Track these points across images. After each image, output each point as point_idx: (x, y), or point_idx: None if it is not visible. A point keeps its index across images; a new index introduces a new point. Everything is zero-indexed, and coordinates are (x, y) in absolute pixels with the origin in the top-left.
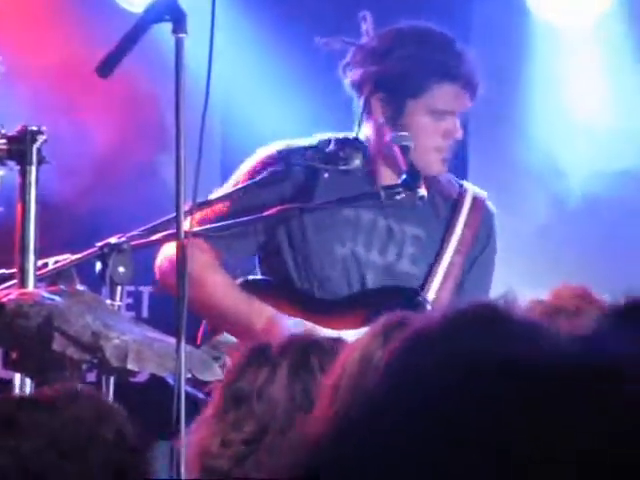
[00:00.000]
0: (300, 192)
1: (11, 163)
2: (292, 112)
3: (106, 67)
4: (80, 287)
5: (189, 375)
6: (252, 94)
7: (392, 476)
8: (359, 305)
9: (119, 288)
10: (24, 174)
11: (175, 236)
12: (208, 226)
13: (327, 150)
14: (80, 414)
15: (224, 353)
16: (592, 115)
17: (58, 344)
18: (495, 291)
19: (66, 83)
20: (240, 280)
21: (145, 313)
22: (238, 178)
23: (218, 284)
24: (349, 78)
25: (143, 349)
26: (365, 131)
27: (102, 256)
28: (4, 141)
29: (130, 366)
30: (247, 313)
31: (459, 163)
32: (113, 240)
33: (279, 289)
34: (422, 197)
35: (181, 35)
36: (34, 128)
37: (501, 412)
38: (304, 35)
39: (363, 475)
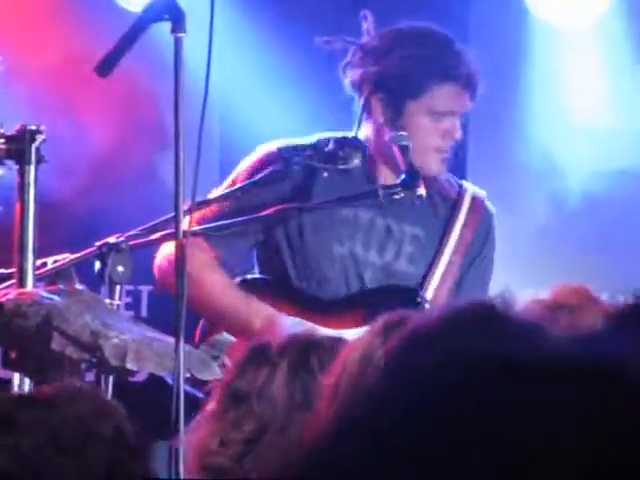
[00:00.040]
0: (299, 191)
1: (10, 162)
2: (291, 112)
3: (105, 66)
4: (79, 286)
5: (188, 374)
6: (251, 93)
7: (392, 476)
8: (358, 304)
9: (118, 287)
10: (23, 173)
11: (174, 235)
12: (207, 225)
13: (326, 149)
14: (80, 411)
15: (223, 352)
16: (591, 115)
17: (57, 343)
18: (494, 291)
19: (65, 82)
20: (238, 279)
21: (144, 312)
22: (237, 176)
23: (216, 283)
24: (349, 78)
25: (142, 348)
26: (365, 131)
27: (101, 255)
28: (3, 140)
29: (129, 365)
30: (245, 312)
31: (458, 163)
32: (112, 239)
33: (277, 288)
34: (421, 196)
35: (180, 34)
36: (33, 127)
37: (501, 412)
38: (303, 34)
39: (363, 474)
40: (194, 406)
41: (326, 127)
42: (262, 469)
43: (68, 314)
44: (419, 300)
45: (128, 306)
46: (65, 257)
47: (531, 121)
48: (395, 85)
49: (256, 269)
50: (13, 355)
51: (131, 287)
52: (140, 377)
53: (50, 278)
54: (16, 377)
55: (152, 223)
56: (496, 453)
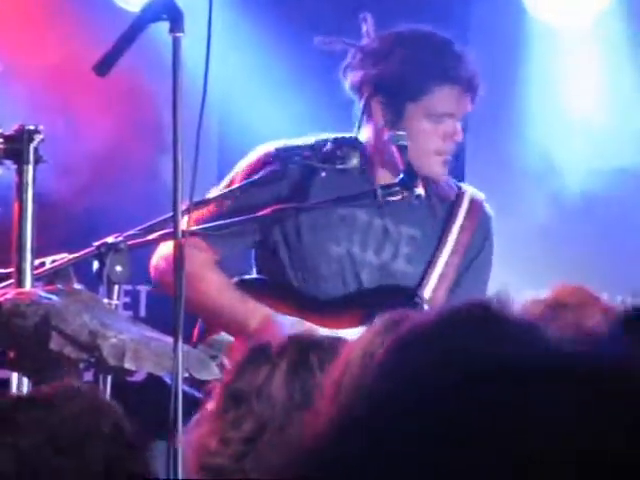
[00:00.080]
0: (297, 191)
1: (8, 162)
2: (289, 112)
3: (103, 66)
4: (77, 286)
5: (186, 374)
6: (250, 93)
7: (392, 475)
8: (355, 304)
9: (116, 287)
10: (21, 173)
11: (172, 235)
12: (205, 225)
13: (324, 149)
14: (78, 410)
15: (221, 352)
16: (589, 114)
17: (55, 343)
18: (493, 291)
19: (63, 82)
20: (235, 279)
21: (142, 312)
22: (235, 176)
23: (214, 283)
24: (349, 80)
25: (140, 348)
26: (365, 133)
27: (99, 255)
28: (1, 140)
29: (127, 365)
30: (242, 312)
31: (456, 163)
32: (110, 239)
33: (274, 288)
34: (419, 196)
35: (178, 34)
36: (31, 127)
37: (501, 412)
38: (302, 34)
39: (363, 474)
40: (192, 406)
41: (325, 127)
42: (262, 468)
43: (66, 314)
44: (417, 300)
45: (126, 306)
46: (63, 257)
47: (529, 121)
48: (395, 87)
49: (254, 269)
50: (11, 355)
51: (129, 287)
52: (138, 377)
53: (48, 278)
54: (14, 377)
55: (150, 223)
56: (496, 453)
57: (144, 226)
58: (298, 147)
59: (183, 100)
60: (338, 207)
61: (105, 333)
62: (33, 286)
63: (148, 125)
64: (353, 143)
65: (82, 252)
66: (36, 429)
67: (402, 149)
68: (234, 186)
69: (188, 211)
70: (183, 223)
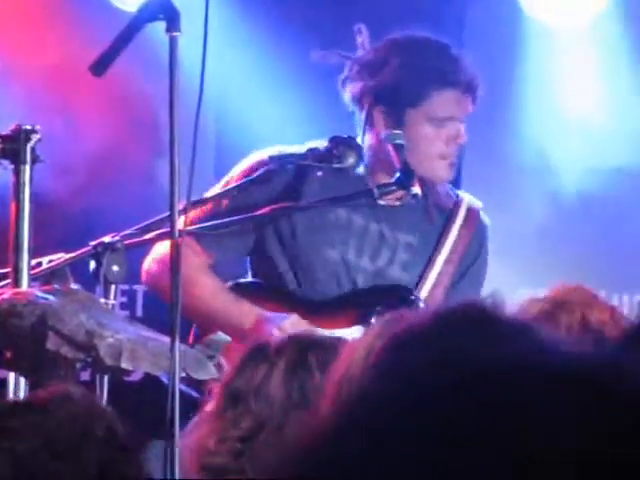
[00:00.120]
0: (293, 191)
1: (5, 162)
2: (287, 110)
3: (100, 66)
4: (74, 286)
5: (183, 374)
6: (247, 93)
7: (391, 475)
8: (350, 305)
9: (113, 287)
10: (18, 173)
11: (169, 235)
12: (201, 225)
13: (321, 148)
14: (73, 413)
15: (218, 352)
16: (586, 114)
17: (52, 343)
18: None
19: (60, 82)
20: (230, 283)
21: (139, 312)
22: (230, 181)
23: (208, 287)
24: (349, 92)
25: (137, 348)
26: (367, 142)
27: (96, 255)
28: None
29: (124, 365)
30: (237, 315)
31: None
32: (107, 239)
33: (269, 291)
34: (415, 195)
35: (175, 34)
36: (28, 127)
37: (500, 412)
38: (298, 32)
39: (362, 474)
40: (190, 406)
41: (322, 125)
42: (259, 467)
43: (63, 314)
44: (412, 298)
45: (123, 306)
46: (60, 257)
47: (526, 120)
48: (394, 95)
49: (249, 273)
50: (8, 355)
51: (126, 287)
52: (135, 377)
53: (45, 278)
54: (11, 377)
55: (147, 222)
56: (496, 453)
57: (141, 226)
58: (291, 155)
59: (180, 99)
60: (334, 207)
61: (102, 333)
62: (30, 286)
63: (145, 125)
64: (349, 142)
65: (79, 252)
66: (32, 434)
67: (398, 148)
68: (231, 185)
69: (185, 211)
70: (180, 223)
